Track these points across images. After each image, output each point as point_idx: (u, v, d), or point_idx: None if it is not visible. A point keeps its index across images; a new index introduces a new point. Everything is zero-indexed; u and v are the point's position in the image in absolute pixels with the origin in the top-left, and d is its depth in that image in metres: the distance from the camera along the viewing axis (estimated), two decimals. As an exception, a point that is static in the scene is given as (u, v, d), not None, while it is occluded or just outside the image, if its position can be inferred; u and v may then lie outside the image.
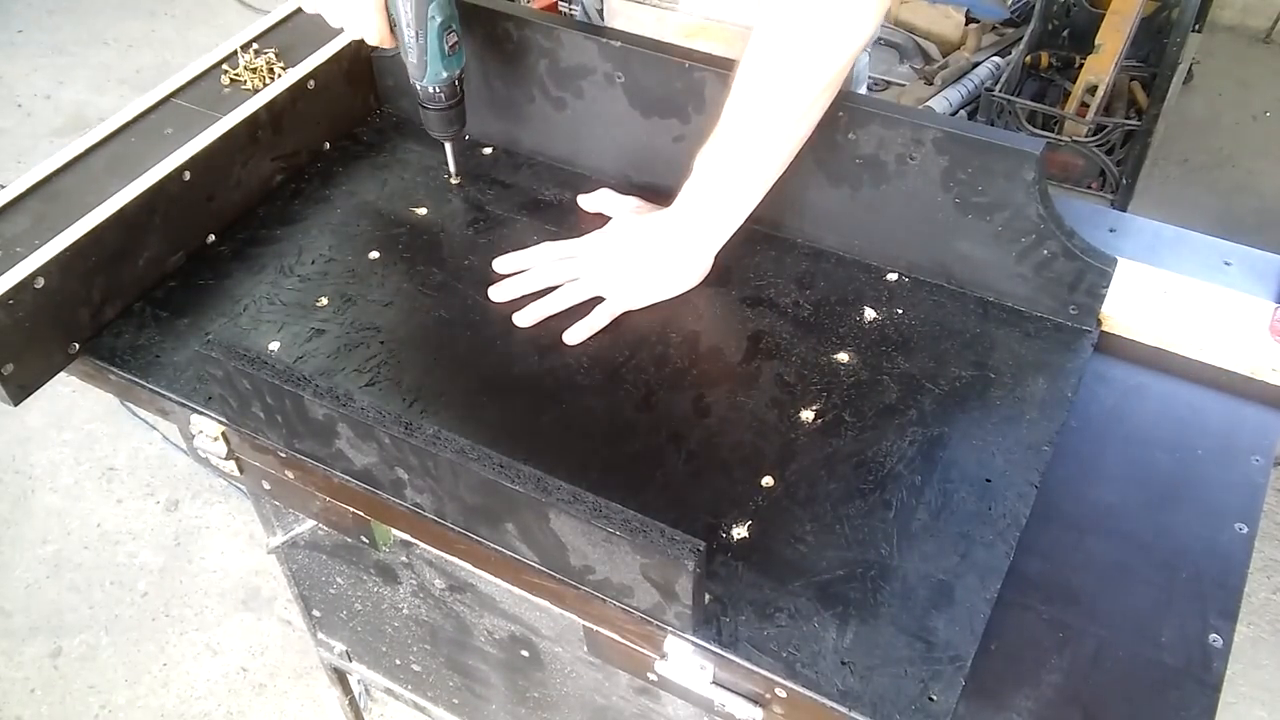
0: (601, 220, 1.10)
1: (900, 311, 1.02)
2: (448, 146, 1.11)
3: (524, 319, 1.01)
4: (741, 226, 1.02)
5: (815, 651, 0.76)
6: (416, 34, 0.98)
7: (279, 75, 1.17)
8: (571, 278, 1.04)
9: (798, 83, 0.92)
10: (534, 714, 1.22)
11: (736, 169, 0.98)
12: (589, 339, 1.00)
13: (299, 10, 1.27)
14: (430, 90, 1.03)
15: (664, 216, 1.04)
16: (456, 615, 1.14)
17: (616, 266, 1.03)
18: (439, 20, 0.98)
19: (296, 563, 1.28)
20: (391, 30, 1.01)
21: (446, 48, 1.00)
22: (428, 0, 0.97)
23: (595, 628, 0.85)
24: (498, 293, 1.04)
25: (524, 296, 1.03)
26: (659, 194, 1.14)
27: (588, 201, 1.12)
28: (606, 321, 1.01)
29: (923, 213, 1.01)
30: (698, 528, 0.83)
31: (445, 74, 1.02)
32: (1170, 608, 0.82)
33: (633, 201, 1.10)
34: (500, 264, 1.06)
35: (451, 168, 1.13)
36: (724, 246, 1.03)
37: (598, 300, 1.02)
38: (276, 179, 1.17)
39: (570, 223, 1.13)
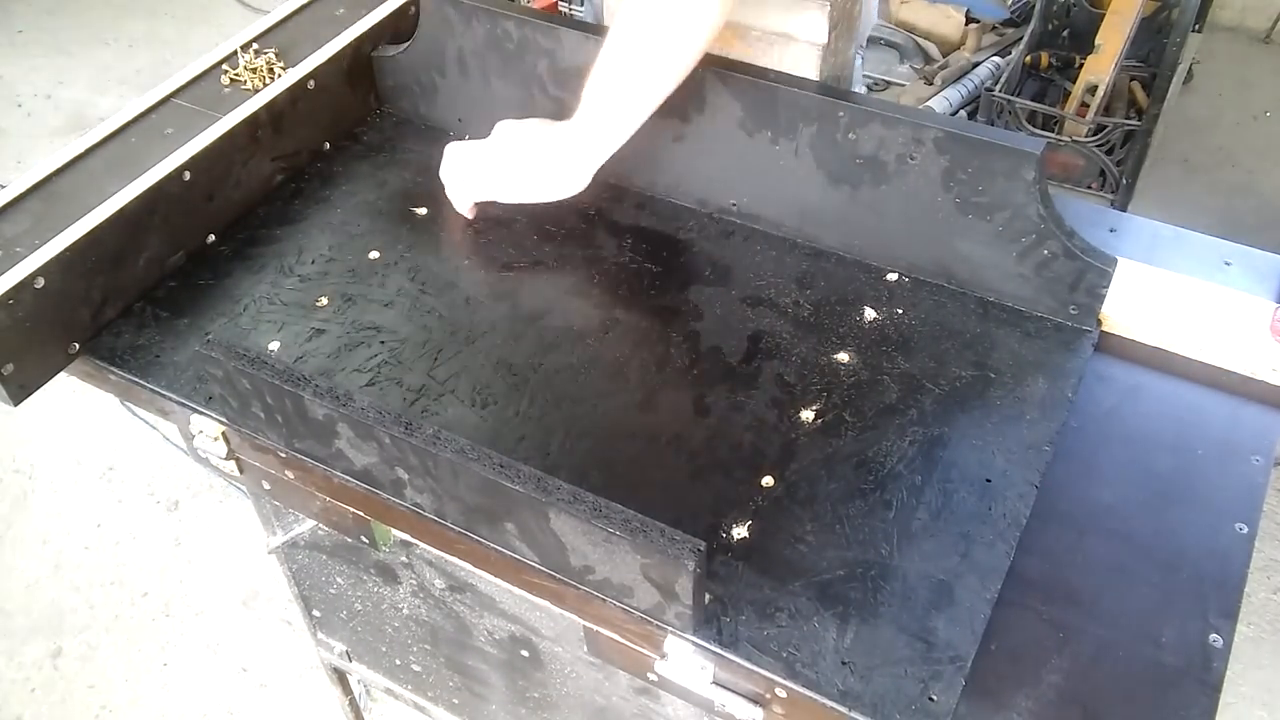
0: None
1: (900, 311, 1.02)
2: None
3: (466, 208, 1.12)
4: (741, 226, 1.02)
5: (815, 651, 0.76)
6: None
7: (279, 75, 1.17)
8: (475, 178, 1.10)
9: (663, 46, 0.99)
10: (534, 714, 1.22)
11: (614, 101, 1.02)
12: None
13: (299, 10, 1.27)
14: None
15: (556, 125, 1.07)
16: (456, 615, 1.14)
17: (511, 163, 1.08)
18: None
19: (296, 563, 1.28)
20: None
21: None
22: None
23: (595, 628, 0.85)
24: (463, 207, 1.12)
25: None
26: (658, 194, 1.15)
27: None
28: (476, 201, 1.11)
29: (923, 213, 1.01)
30: (698, 528, 0.83)
31: None
32: (1170, 608, 0.82)
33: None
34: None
35: None
36: (723, 246, 1.03)
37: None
38: (277, 179, 1.17)
39: (569, 223, 1.13)
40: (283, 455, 0.92)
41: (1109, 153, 2.50)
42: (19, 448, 2.34)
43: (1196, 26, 2.68)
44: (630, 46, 1.00)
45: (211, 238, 1.11)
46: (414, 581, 1.14)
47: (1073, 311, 1.00)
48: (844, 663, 0.75)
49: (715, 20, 0.98)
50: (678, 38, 0.99)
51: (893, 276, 1.06)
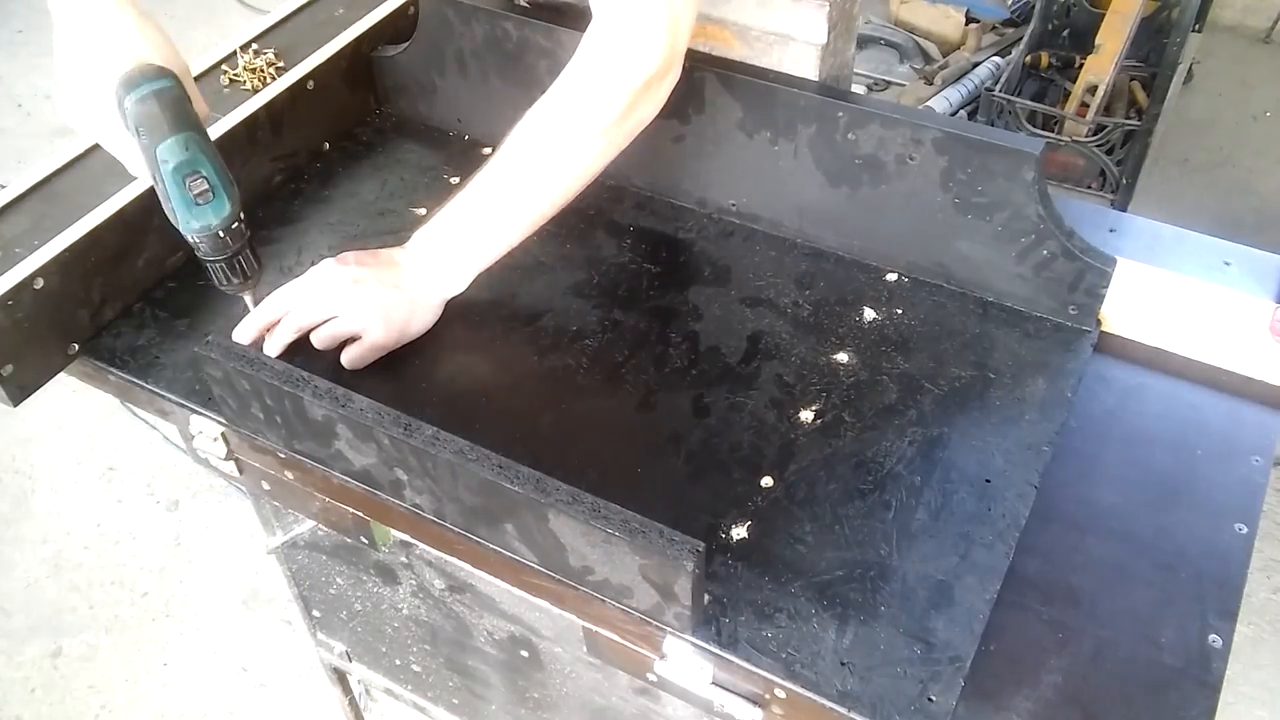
0: None
1: (900, 312, 1.02)
2: (247, 299, 0.95)
3: (272, 347, 0.95)
4: (741, 226, 1.01)
5: (814, 652, 0.76)
6: (154, 177, 0.84)
7: (278, 75, 1.17)
8: (326, 318, 0.95)
9: (569, 160, 0.94)
10: (534, 714, 1.22)
11: (483, 228, 0.97)
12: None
13: (298, 11, 1.27)
14: (190, 240, 0.87)
15: (402, 257, 0.98)
16: (456, 616, 1.14)
17: (367, 305, 0.95)
18: (171, 165, 0.82)
19: (296, 563, 1.28)
20: None
21: (192, 196, 0.84)
22: (154, 141, 0.82)
23: (595, 628, 0.85)
24: (269, 347, 0.96)
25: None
26: (658, 194, 1.15)
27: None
28: (369, 360, 0.96)
29: (922, 213, 1.01)
30: (697, 528, 0.83)
31: (196, 224, 0.85)
32: (1170, 608, 0.82)
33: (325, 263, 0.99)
34: (242, 335, 0.96)
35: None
36: (723, 246, 1.03)
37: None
38: (276, 179, 1.17)
39: (569, 223, 1.13)
40: (282, 456, 0.92)
41: (1109, 153, 2.50)
42: (19, 448, 2.35)
43: (1196, 26, 2.68)
44: (527, 159, 0.94)
45: (211, 238, 1.11)
46: (413, 582, 1.14)
47: (1072, 312, 1.00)
48: (843, 663, 0.75)
49: (645, 120, 0.95)
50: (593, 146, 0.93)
51: (892, 277, 1.06)
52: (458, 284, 0.99)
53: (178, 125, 0.82)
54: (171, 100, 0.82)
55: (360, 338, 0.96)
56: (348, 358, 0.96)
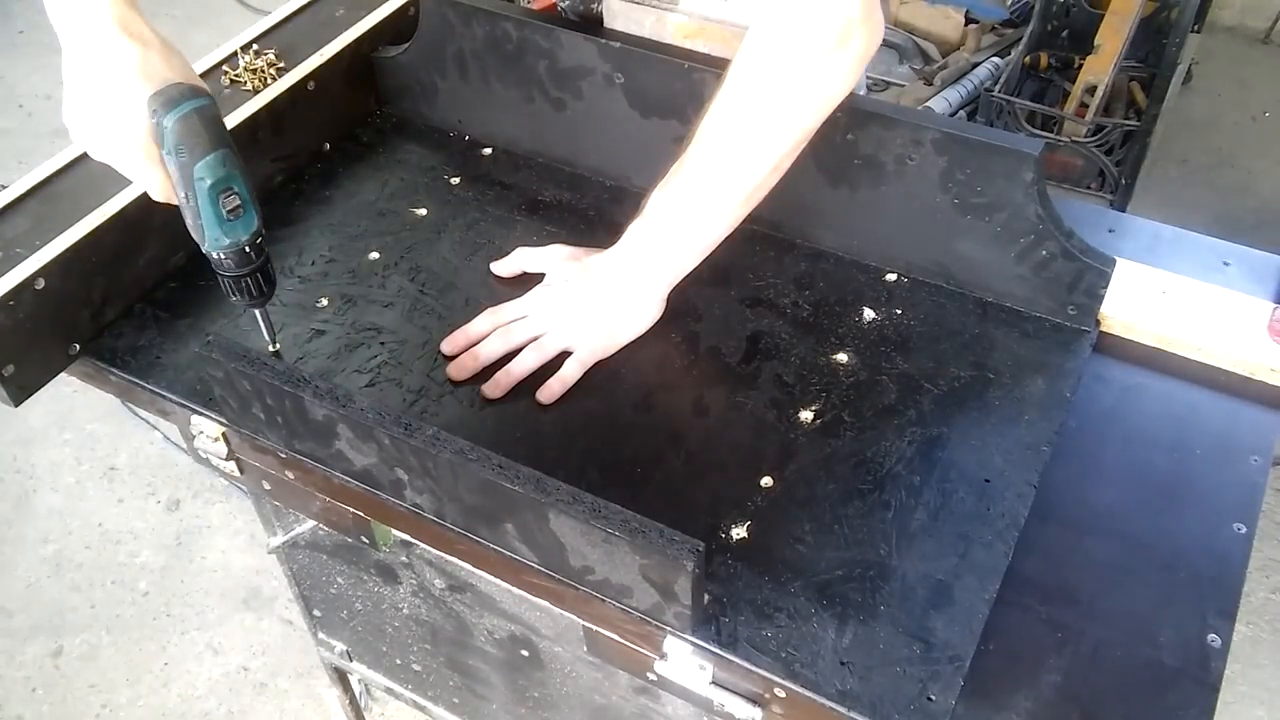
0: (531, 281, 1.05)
1: (899, 312, 1.03)
2: (257, 315, 0.95)
3: (494, 390, 0.95)
4: (740, 226, 1.01)
5: (814, 652, 0.76)
6: (187, 196, 0.85)
7: (279, 76, 1.17)
8: (532, 336, 0.98)
9: (768, 137, 0.92)
10: (534, 714, 1.22)
11: (695, 214, 0.96)
12: (564, 396, 0.95)
13: (299, 11, 1.27)
14: (215, 257, 0.88)
15: (611, 259, 0.99)
16: (456, 615, 1.14)
17: (575, 317, 0.98)
18: (209, 182, 0.83)
19: (297, 562, 1.28)
20: None
21: (224, 212, 0.85)
22: (194, 159, 0.83)
23: (595, 628, 0.85)
24: (457, 370, 0.97)
25: (487, 368, 0.97)
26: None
27: (504, 266, 1.06)
28: (579, 375, 0.96)
29: (922, 213, 1.01)
30: (697, 528, 0.83)
31: (226, 240, 0.87)
32: (1169, 608, 0.82)
33: (559, 250, 1.05)
34: (449, 344, 0.99)
35: (266, 336, 0.97)
36: (723, 246, 1.03)
37: (563, 355, 0.97)
38: (277, 179, 1.17)
39: (570, 224, 1.13)
40: (283, 456, 0.93)
41: (1108, 153, 2.50)
42: (20, 448, 2.35)
43: (1196, 27, 2.68)
44: (734, 144, 0.92)
45: (212, 238, 1.11)
46: (414, 581, 1.14)
47: (1071, 312, 1.00)
48: (843, 663, 0.76)
49: (842, 91, 0.91)
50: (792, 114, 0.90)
51: (891, 277, 1.06)
52: (684, 265, 0.98)
53: (216, 142, 0.84)
54: (211, 118, 0.84)
55: (571, 352, 0.97)
56: (560, 378, 0.95)
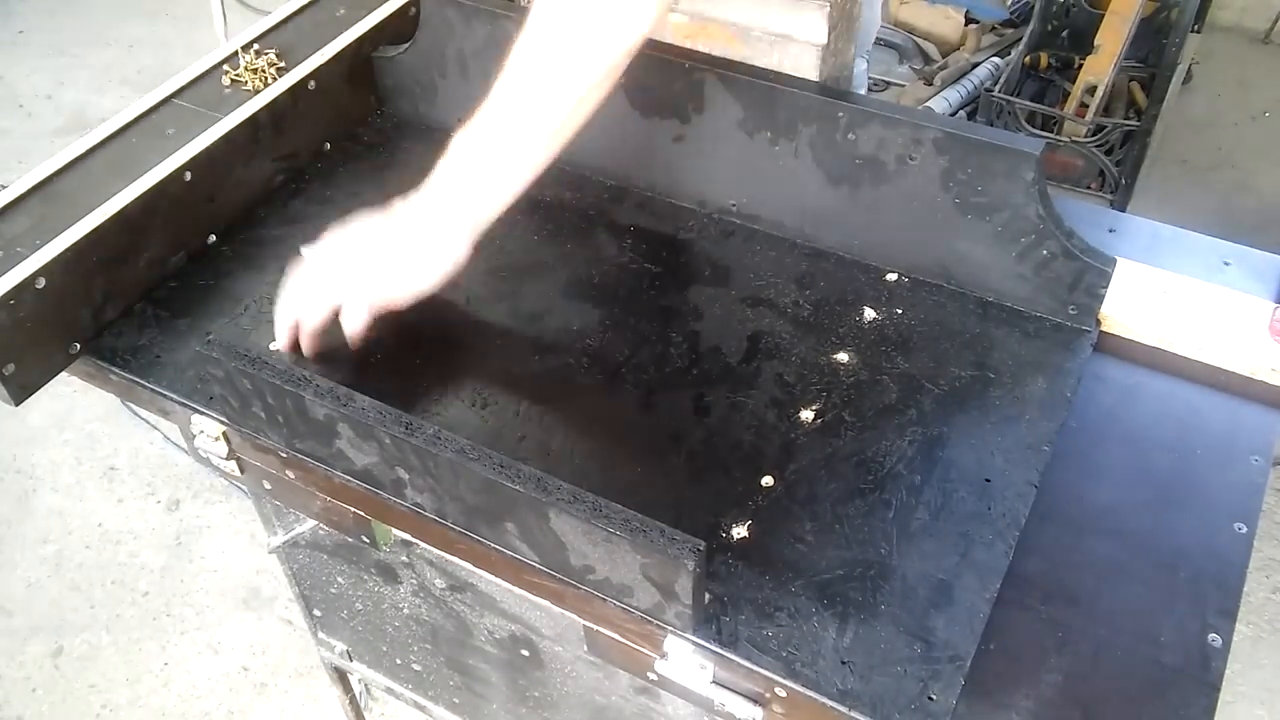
0: None
1: (900, 312, 1.03)
2: None
3: (308, 348, 0.97)
4: (741, 226, 1.01)
5: (815, 651, 0.76)
6: None
7: (280, 76, 1.17)
8: (330, 289, 0.96)
9: (569, 74, 0.91)
10: (534, 713, 1.22)
11: (497, 153, 0.94)
12: (371, 334, 0.95)
13: (299, 11, 1.27)
14: None
15: (413, 202, 0.96)
16: (457, 615, 1.14)
17: (368, 261, 0.96)
18: None
19: (297, 562, 1.28)
20: None
21: None
22: None
23: (595, 627, 0.85)
24: (279, 344, 0.98)
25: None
26: (658, 194, 1.15)
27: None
28: (365, 315, 0.95)
29: (922, 213, 1.01)
30: (698, 528, 0.83)
31: None
32: (1169, 607, 0.82)
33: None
34: (278, 342, 0.99)
35: None
36: (723, 246, 1.03)
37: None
38: (277, 179, 1.17)
39: (570, 224, 1.13)
40: (283, 455, 0.93)
41: (1108, 153, 2.51)
42: (19, 448, 2.35)
43: (1196, 27, 2.68)
44: (538, 80, 0.91)
45: (212, 238, 1.11)
46: (414, 581, 1.14)
47: (1072, 311, 1.00)
48: (843, 662, 0.76)
49: (649, 20, 0.90)
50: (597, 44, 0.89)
51: (892, 277, 1.06)
52: (489, 205, 0.95)
53: None
54: None
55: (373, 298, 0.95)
56: (347, 319, 0.94)
